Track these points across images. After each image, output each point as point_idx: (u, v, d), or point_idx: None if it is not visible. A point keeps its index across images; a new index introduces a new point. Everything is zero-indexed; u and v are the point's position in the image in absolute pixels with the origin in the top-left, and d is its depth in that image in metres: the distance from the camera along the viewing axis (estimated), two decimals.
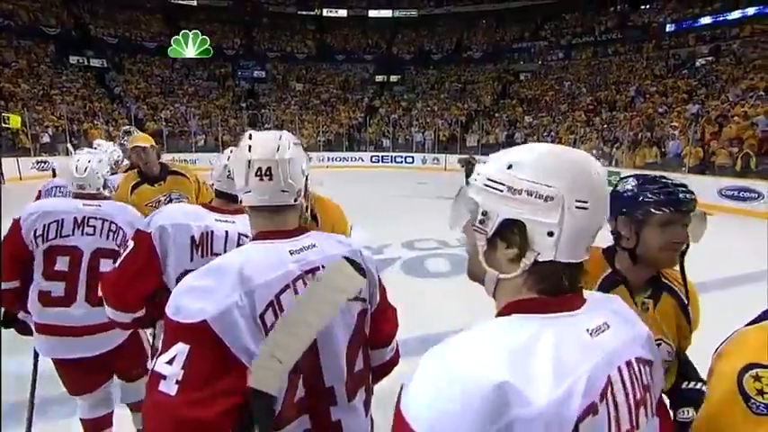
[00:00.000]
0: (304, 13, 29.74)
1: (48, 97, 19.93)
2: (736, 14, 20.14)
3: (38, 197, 2.91)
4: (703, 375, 1.21)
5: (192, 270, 1.27)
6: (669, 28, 22.65)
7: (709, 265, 5.59)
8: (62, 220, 1.84)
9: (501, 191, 0.62)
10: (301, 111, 25.15)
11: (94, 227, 1.88)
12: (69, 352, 1.87)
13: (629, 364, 0.62)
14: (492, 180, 0.63)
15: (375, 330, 1.09)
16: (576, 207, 0.59)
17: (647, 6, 24.86)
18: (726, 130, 12.52)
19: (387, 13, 30.25)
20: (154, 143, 2.86)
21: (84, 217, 1.88)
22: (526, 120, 21.47)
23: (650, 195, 1.10)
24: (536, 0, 27.63)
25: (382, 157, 21.52)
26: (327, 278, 0.85)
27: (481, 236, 0.65)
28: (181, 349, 0.80)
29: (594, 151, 15.74)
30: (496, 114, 23.45)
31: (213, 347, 0.81)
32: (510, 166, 0.63)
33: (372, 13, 30.29)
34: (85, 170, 1.93)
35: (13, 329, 2.04)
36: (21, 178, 13.07)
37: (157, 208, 2.30)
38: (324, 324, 0.81)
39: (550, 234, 0.59)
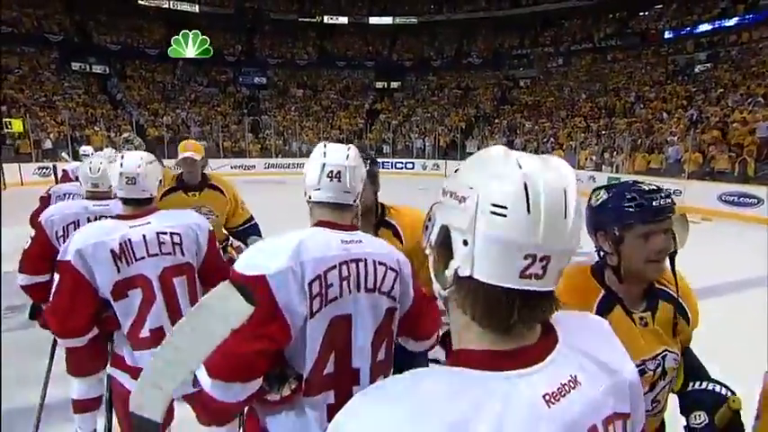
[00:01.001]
0: (305, 19, 29.93)
1: (50, 103, 20.05)
2: (733, 21, 20.26)
3: (46, 202, 2.93)
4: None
5: (121, 280, 1.51)
6: (668, 35, 22.79)
7: (710, 271, 5.61)
8: (78, 221, 2.06)
9: (442, 196, 0.57)
10: (302, 117, 25.26)
11: None
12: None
13: (593, 429, 0.54)
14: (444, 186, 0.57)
15: (416, 326, 1.25)
16: (492, 213, 0.49)
17: (646, 13, 25.03)
18: (716, 134, 12.59)
19: (387, 19, 30.45)
20: (203, 154, 2.65)
21: (96, 216, 2.08)
22: (526, 126, 21.55)
23: (626, 207, 1.03)
24: (535, 7, 27.83)
25: (383, 162, 21.53)
26: (208, 305, 0.84)
27: (427, 245, 0.58)
28: None
29: (594, 157, 15.79)
30: (496, 120, 23.53)
31: (265, 300, 0.95)
32: (456, 170, 0.57)
33: (373, 20, 30.49)
34: (99, 170, 2.18)
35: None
36: (22, 183, 13.14)
37: None
38: (205, 354, 0.83)
39: (465, 243, 0.51)
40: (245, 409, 1.11)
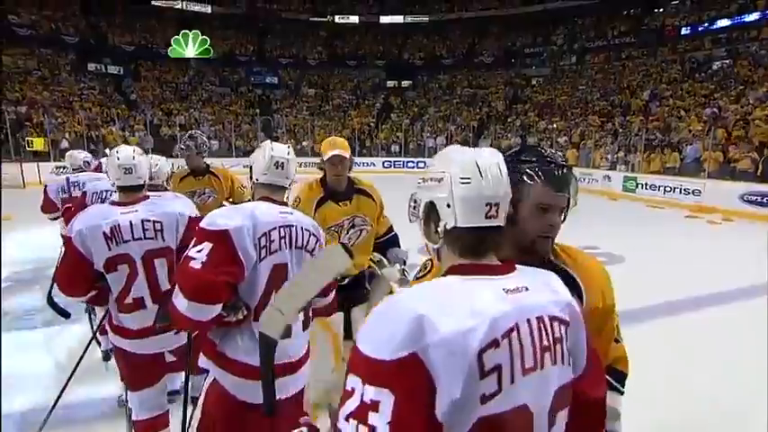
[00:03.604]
0: (316, 19, 29.98)
1: (67, 104, 20.39)
2: (754, 16, 19.73)
3: (82, 201, 3.00)
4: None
5: (111, 256, 1.81)
6: (685, 31, 22.32)
7: (733, 273, 5.45)
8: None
9: (419, 183, 0.87)
10: (313, 116, 25.31)
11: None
12: None
13: (539, 318, 0.76)
14: (420, 178, 0.88)
15: None
16: (461, 183, 0.78)
17: (662, 9, 24.55)
18: (737, 132, 12.25)
19: (398, 18, 30.35)
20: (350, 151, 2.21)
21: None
22: (540, 125, 21.30)
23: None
24: (547, 4, 27.49)
25: (394, 162, 21.52)
26: (322, 260, 1.35)
27: (417, 219, 0.88)
28: (206, 245, 1.37)
29: (609, 156, 15.53)
30: (509, 119, 23.32)
31: (227, 247, 1.37)
32: (428, 165, 0.88)
33: (384, 19, 30.41)
34: (157, 166, 2.47)
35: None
36: (41, 182, 13.38)
37: (339, 234, 2.25)
38: (315, 292, 1.27)
39: (448, 206, 0.79)
40: (202, 341, 1.54)
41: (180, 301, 1.35)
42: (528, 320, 0.74)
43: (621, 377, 1.18)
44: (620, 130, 17.03)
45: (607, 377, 1.10)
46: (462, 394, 0.65)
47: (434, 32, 30.51)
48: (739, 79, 16.87)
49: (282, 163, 1.56)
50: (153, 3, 26.41)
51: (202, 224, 1.42)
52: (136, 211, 1.86)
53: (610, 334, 1.13)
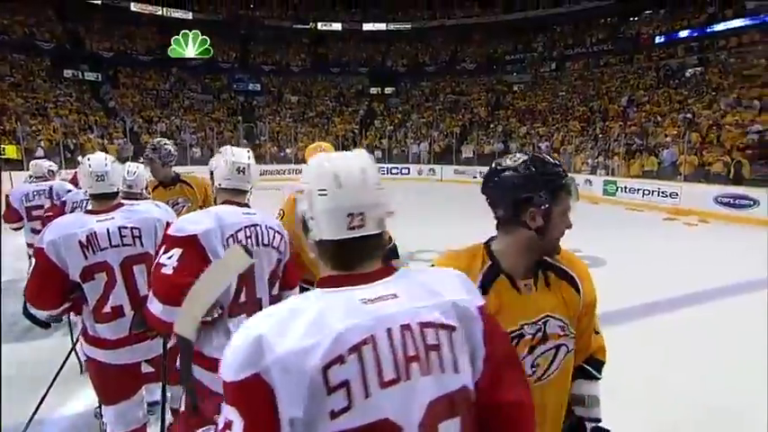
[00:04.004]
0: (299, 26, 29.99)
1: (42, 111, 19.88)
2: (721, 27, 20.55)
3: (61, 210, 2.94)
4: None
5: (88, 265, 1.79)
6: (659, 39, 23.04)
7: (708, 274, 5.60)
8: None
9: (297, 195, 0.82)
10: (296, 123, 25.22)
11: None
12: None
13: (405, 326, 0.72)
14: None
15: (286, 278, 1.74)
16: (318, 195, 0.75)
17: (636, 18, 25.31)
18: (710, 136, 12.67)
19: (381, 26, 30.59)
20: None
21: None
22: (522, 130, 21.61)
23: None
24: (528, 12, 28.07)
25: (378, 168, 21.51)
26: (223, 260, 1.37)
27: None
28: (176, 251, 1.43)
29: (590, 161, 15.83)
30: (491, 125, 23.62)
31: (197, 250, 1.44)
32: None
33: (366, 27, 30.61)
34: (135, 174, 2.43)
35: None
36: None
37: None
38: (221, 290, 1.31)
39: (312, 218, 0.76)
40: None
41: (155, 306, 1.42)
42: (389, 330, 0.71)
43: (599, 365, 1.29)
44: (600, 135, 17.41)
45: (586, 366, 1.27)
46: (307, 412, 0.65)
47: (417, 39, 30.82)
48: (711, 86, 17.46)
49: (244, 168, 1.64)
50: (132, 9, 26.07)
51: (170, 231, 1.48)
52: (112, 218, 1.83)
53: (592, 327, 1.27)
